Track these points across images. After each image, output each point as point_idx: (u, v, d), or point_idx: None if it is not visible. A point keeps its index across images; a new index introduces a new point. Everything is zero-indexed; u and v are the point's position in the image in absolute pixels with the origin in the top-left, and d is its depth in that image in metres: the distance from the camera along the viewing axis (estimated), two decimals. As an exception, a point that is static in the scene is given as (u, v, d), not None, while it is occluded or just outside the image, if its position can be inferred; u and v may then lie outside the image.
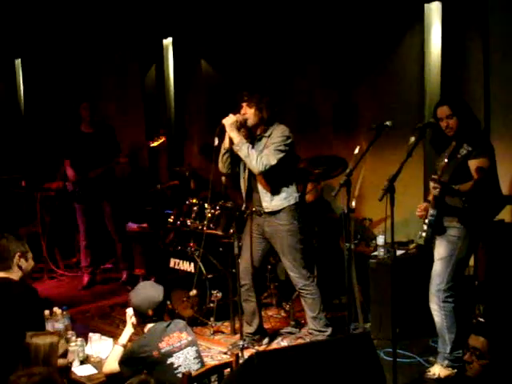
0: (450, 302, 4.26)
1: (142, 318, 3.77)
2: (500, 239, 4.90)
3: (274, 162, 4.61)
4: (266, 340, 5.11)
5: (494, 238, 4.83)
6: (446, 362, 4.30)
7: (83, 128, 6.68)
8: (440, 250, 4.28)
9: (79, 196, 6.65)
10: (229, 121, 4.66)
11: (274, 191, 4.73)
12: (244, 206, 4.94)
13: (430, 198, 4.22)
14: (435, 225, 4.21)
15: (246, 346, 4.81)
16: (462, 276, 4.37)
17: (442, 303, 4.25)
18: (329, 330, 4.90)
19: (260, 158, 4.59)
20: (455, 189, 4.03)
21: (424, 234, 4.27)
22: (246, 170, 4.84)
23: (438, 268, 4.27)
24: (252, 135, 4.82)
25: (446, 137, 4.25)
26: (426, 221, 4.23)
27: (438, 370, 4.31)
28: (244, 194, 4.92)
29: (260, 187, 4.77)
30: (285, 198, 4.76)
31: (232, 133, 4.67)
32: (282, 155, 4.64)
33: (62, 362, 3.13)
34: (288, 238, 4.78)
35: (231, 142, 4.72)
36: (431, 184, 4.06)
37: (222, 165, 4.88)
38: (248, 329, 5.01)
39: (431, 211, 4.19)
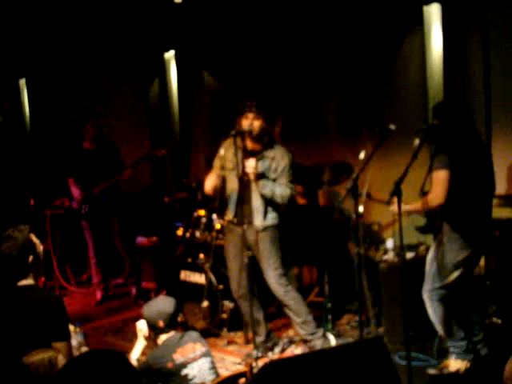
0: (441, 300, 4.32)
1: (154, 330, 3.79)
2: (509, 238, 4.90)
3: (294, 193, 4.90)
4: (278, 348, 5.11)
5: (502, 237, 4.83)
6: (453, 355, 4.36)
7: (86, 145, 6.69)
8: (430, 250, 4.43)
9: (86, 214, 6.65)
10: (251, 166, 4.72)
11: (268, 210, 4.84)
12: (232, 217, 4.93)
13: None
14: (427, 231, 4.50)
15: (260, 355, 4.80)
16: (461, 277, 4.35)
17: (430, 302, 4.35)
18: (320, 331, 4.95)
19: (287, 195, 4.77)
20: (409, 210, 4.26)
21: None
22: (237, 180, 4.80)
23: (426, 268, 4.41)
24: (245, 147, 4.83)
25: None
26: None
27: (447, 365, 4.37)
28: (234, 206, 4.90)
29: (256, 204, 4.82)
30: (275, 218, 4.88)
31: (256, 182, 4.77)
32: (294, 183, 4.89)
33: None
34: (269, 243, 4.85)
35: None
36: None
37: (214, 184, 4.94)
38: (257, 338, 5.01)
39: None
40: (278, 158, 4.79)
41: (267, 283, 4.94)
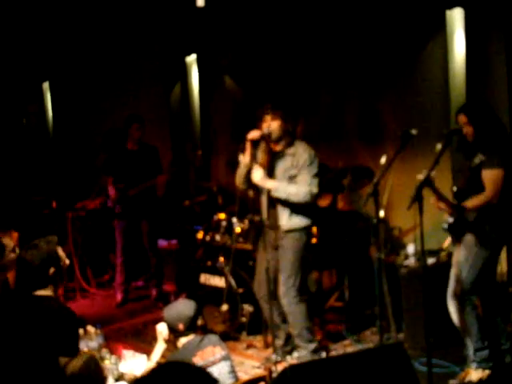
0: (467, 306, 4.23)
1: (174, 332, 3.80)
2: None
3: (316, 189, 4.70)
4: (297, 353, 5.09)
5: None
6: (474, 364, 4.27)
7: (129, 146, 6.76)
8: (457, 254, 4.31)
9: (119, 213, 6.71)
10: (257, 176, 4.67)
11: (293, 210, 4.73)
12: (264, 220, 4.89)
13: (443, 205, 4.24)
14: (453, 230, 4.25)
15: (279, 359, 4.78)
16: (486, 281, 4.31)
17: (459, 306, 4.24)
18: (312, 345, 4.83)
19: (303, 192, 4.63)
20: (464, 207, 4.10)
21: (448, 243, 4.33)
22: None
23: (456, 272, 4.29)
24: (270, 149, 4.83)
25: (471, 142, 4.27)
26: (445, 225, 4.27)
27: (469, 374, 4.27)
28: (266, 209, 4.84)
29: (279, 204, 4.75)
30: (302, 218, 4.77)
31: (266, 184, 4.68)
32: (318, 178, 4.72)
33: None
34: (291, 248, 4.76)
35: (252, 158, 4.74)
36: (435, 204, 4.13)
37: (240, 180, 4.89)
38: (277, 341, 4.99)
39: (449, 219, 4.22)
40: (298, 154, 4.73)
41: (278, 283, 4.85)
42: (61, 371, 3.01)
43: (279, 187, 4.68)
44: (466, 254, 4.24)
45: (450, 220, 4.20)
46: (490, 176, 4.06)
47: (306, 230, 4.80)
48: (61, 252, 3.39)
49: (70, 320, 3.22)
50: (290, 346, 5.07)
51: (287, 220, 4.75)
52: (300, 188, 4.67)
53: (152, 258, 6.87)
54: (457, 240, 4.31)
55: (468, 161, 4.31)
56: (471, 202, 4.12)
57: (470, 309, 4.26)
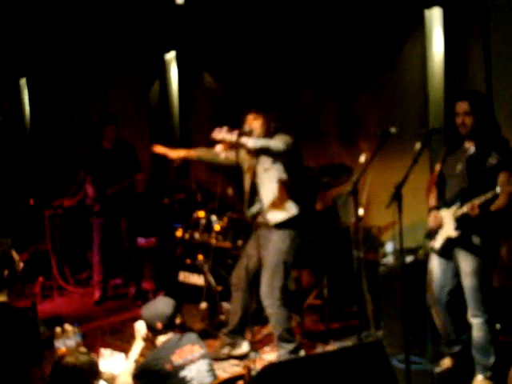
0: (491, 314, 4.15)
1: (153, 331, 3.78)
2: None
3: (290, 140, 4.61)
4: (244, 346, 5.03)
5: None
6: (489, 373, 4.16)
7: (105, 144, 6.71)
8: (469, 263, 4.10)
9: (97, 211, 6.67)
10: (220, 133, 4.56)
11: (276, 203, 4.69)
12: (246, 212, 4.88)
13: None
14: (461, 239, 4.09)
15: (258, 357, 4.77)
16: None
17: (488, 317, 4.12)
18: (290, 346, 4.76)
19: (276, 141, 4.54)
20: (492, 210, 3.93)
21: (439, 245, 4.23)
22: (249, 178, 4.83)
23: (474, 283, 4.09)
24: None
25: (459, 136, 4.13)
26: (452, 233, 4.11)
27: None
28: (247, 201, 4.85)
29: (263, 197, 4.73)
30: (289, 209, 4.72)
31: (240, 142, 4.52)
32: (286, 145, 4.57)
33: None
34: (273, 255, 4.72)
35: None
36: (475, 210, 3.92)
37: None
38: (225, 328, 5.05)
39: (454, 224, 4.08)
40: None
41: (260, 284, 4.81)
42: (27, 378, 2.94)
43: (258, 140, 4.53)
44: (482, 260, 4.06)
45: (456, 225, 4.07)
46: (509, 177, 3.92)
47: (288, 230, 4.71)
48: (15, 255, 3.31)
49: (27, 327, 3.10)
50: (232, 339, 5.02)
51: (269, 213, 4.70)
52: (278, 142, 4.56)
53: (131, 256, 6.83)
54: (462, 247, 4.11)
55: (448, 155, 4.23)
56: (495, 206, 3.92)
57: (491, 319, 4.15)
